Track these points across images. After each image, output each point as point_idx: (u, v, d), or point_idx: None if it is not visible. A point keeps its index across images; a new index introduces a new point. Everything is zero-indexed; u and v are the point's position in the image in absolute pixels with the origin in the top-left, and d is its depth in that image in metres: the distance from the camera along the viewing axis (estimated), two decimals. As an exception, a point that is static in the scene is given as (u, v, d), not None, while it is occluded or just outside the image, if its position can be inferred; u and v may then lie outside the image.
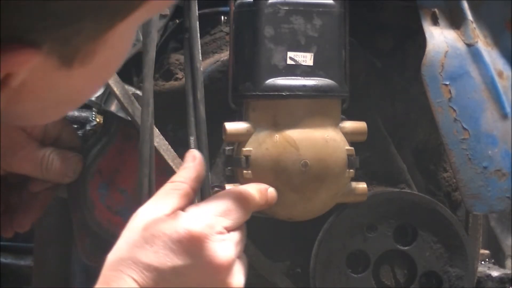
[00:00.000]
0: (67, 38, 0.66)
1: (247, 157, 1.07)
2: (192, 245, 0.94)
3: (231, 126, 1.09)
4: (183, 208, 0.97)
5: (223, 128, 1.09)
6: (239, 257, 0.98)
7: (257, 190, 1.04)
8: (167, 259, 0.93)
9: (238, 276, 0.97)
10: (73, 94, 0.75)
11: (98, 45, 0.69)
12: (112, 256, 0.94)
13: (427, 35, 1.15)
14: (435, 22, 1.16)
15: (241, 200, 1.00)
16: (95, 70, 0.72)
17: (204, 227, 0.95)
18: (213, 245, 0.95)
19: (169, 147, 1.15)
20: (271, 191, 1.06)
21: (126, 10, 0.68)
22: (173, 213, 0.96)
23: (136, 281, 0.91)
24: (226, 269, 0.96)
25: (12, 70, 0.65)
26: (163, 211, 0.96)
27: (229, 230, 0.97)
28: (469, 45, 1.16)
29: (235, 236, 0.98)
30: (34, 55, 0.65)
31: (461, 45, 1.16)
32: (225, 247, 0.96)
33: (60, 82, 0.71)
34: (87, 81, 0.73)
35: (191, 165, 1.02)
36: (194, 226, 0.94)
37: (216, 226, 0.96)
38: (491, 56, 1.17)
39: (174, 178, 1.01)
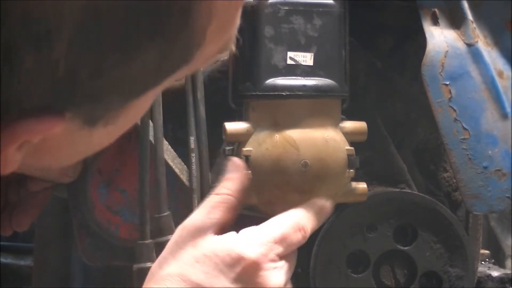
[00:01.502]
0: (93, 110, 0.66)
1: (247, 157, 1.07)
2: (243, 271, 0.93)
3: (231, 126, 1.08)
4: (229, 222, 0.97)
5: (223, 128, 1.09)
6: (286, 284, 0.97)
7: (320, 208, 1.03)
8: (217, 281, 0.92)
9: None
10: (92, 149, 0.75)
11: (124, 110, 0.69)
12: (158, 269, 0.93)
13: (427, 35, 1.15)
14: (435, 22, 1.16)
15: (299, 226, 1.00)
16: (117, 129, 0.72)
17: (258, 255, 0.94)
18: (265, 273, 0.94)
19: (169, 147, 1.15)
20: (330, 203, 1.05)
21: (155, 82, 0.68)
22: (224, 232, 0.95)
23: None
24: None
25: (31, 137, 0.64)
26: (210, 227, 0.95)
27: (281, 257, 0.97)
28: (469, 45, 1.16)
29: (287, 263, 0.97)
30: (57, 123, 0.64)
31: (461, 45, 1.16)
32: (276, 275, 0.95)
33: (81, 141, 0.70)
34: (107, 139, 0.73)
35: (236, 176, 1.01)
36: (248, 252, 0.94)
37: (270, 254, 0.95)
38: (491, 56, 1.17)
39: (220, 190, 0.99)
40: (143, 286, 0.93)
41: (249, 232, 0.97)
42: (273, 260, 0.95)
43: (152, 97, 0.72)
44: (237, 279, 0.93)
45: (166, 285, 0.91)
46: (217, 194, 0.99)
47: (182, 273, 0.92)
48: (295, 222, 1.00)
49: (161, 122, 1.07)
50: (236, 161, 1.03)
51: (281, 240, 0.97)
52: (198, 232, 0.95)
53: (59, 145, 0.69)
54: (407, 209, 1.18)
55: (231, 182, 1.00)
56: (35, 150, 0.68)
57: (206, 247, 0.94)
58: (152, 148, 1.12)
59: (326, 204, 1.05)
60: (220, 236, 0.96)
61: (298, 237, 0.99)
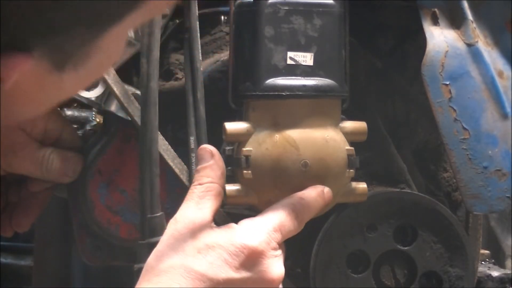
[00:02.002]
0: (59, 44, 0.66)
1: (247, 157, 1.07)
2: (248, 260, 0.94)
3: (231, 126, 1.08)
4: (218, 209, 0.98)
5: (223, 128, 1.09)
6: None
7: (316, 196, 1.04)
8: (221, 270, 0.93)
9: None
10: (64, 96, 0.74)
11: (91, 49, 0.69)
12: (157, 261, 0.93)
13: (427, 35, 1.15)
14: (435, 22, 1.16)
15: (298, 212, 1.01)
16: (87, 73, 0.72)
17: (261, 243, 0.95)
18: (268, 261, 0.95)
19: (169, 147, 1.15)
20: (327, 191, 1.06)
21: (118, 15, 0.68)
22: (220, 223, 0.97)
23: None
24: (277, 285, 0.96)
25: (2, 75, 0.66)
26: (204, 217, 0.96)
27: (280, 244, 0.98)
28: (469, 45, 1.16)
29: (282, 253, 0.99)
30: (25, 60, 0.65)
31: (461, 45, 1.16)
32: (278, 263, 0.97)
33: (51, 85, 0.71)
34: (78, 84, 0.73)
35: (212, 162, 1.01)
36: (251, 241, 0.95)
37: (271, 242, 0.96)
38: (491, 56, 1.17)
39: (201, 179, 1.00)
40: (140, 281, 0.92)
41: (248, 222, 0.98)
42: (274, 248, 0.96)
43: (120, 40, 0.72)
44: (241, 268, 0.93)
45: (168, 277, 0.91)
46: (200, 184, 0.99)
47: (185, 264, 0.92)
48: (292, 209, 1.00)
49: (157, 122, 1.07)
50: (207, 148, 1.03)
51: (280, 227, 0.98)
52: (194, 224, 0.95)
53: (31, 90, 0.70)
54: (407, 209, 1.18)
55: (209, 169, 1.01)
56: (7, 96, 0.68)
57: (207, 238, 0.94)
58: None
59: (324, 191, 1.05)
60: (220, 227, 0.96)
61: (295, 225, 1.00)
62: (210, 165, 1.01)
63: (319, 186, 1.06)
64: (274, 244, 0.97)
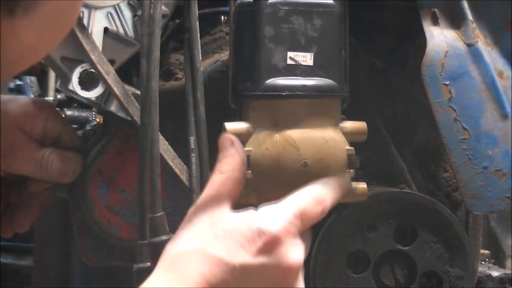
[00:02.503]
0: None
1: (247, 157, 1.07)
2: (265, 246, 0.93)
3: (231, 126, 1.08)
4: (237, 197, 0.97)
5: (223, 128, 1.09)
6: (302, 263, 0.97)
7: (335, 185, 1.03)
8: (238, 255, 0.91)
9: (302, 280, 0.96)
10: (22, 46, 0.72)
11: None
12: (175, 247, 0.92)
13: (427, 35, 1.15)
14: (435, 22, 1.16)
15: (319, 200, 1.00)
16: (42, 21, 0.70)
17: (279, 229, 0.94)
18: (287, 248, 0.94)
19: (169, 147, 1.15)
20: (344, 179, 1.06)
21: None
22: (243, 209, 0.95)
23: (202, 274, 0.89)
24: (295, 273, 0.95)
25: None
26: (224, 200, 0.95)
27: (301, 232, 0.97)
28: (469, 45, 1.16)
29: (304, 243, 0.97)
30: None
31: (461, 45, 1.16)
32: (297, 251, 0.95)
33: (7, 35, 0.69)
34: (35, 33, 0.72)
35: (234, 151, 1.01)
36: (269, 227, 0.93)
37: (290, 229, 0.95)
38: (491, 56, 1.17)
39: (222, 167, 0.99)
40: (157, 266, 0.91)
41: (268, 207, 0.97)
42: (293, 235, 0.95)
43: None
44: (258, 254, 0.92)
45: (184, 262, 0.90)
46: (220, 172, 0.99)
47: (201, 248, 0.91)
48: (314, 196, 0.99)
49: (157, 122, 1.07)
50: (229, 137, 1.03)
51: (301, 215, 0.97)
52: (213, 210, 0.94)
53: None
54: (407, 209, 1.18)
55: (230, 158, 1.00)
56: None
57: (225, 222, 0.93)
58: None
59: (342, 179, 1.05)
60: (238, 211, 0.95)
61: (317, 211, 0.99)
62: (231, 154, 1.01)
63: (336, 176, 1.05)
64: (294, 231, 0.95)
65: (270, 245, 0.93)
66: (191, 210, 0.97)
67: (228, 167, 0.99)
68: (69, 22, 0.75)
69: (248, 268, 0.91)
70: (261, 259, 0.92)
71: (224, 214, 0.95)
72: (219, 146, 1.02)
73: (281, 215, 0.96)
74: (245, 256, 0.91)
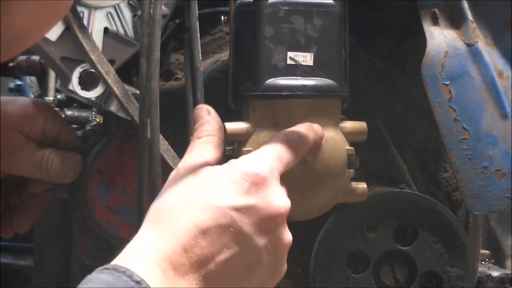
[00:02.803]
0: None
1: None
2: (252, 186, 0.92)
3: (231, 126, 1.08)
4: (219, 159, 0.96)
5: (223, 128, 1.09)
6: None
7: (306, 128, 1.03)
8: (227, 198, 0.90)
9: (289, 232, 0.96)
10: (19, 30, 0.72)
11: None
12: (159, 203, 0.90)
13: (427, 35, 1.15)
14: (435, 22, 1.16)
15: (293, 142, 1.00)
16: (36, 4, 0.70)
17: (263, 170, 0.93)
18: (273, 190, 0.93)
19: (169, 147, 1.15)
20: (316, 125, 1.06)
21: None
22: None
23: (192, 221, 0.87)
24: (283, 218, 0.94)
25: None
26: (206, 162, 0.94)
27: (281, 176, 0.97)
28: (469, 45, 1.16)
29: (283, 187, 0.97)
30: None
31: (461, 45, 1.16)
32: (283, 195, 0.95)
33: (2, 14, 0.69)
34: (30, 16, 0.72)
35: (210, 118, 1.01)
36: (254, 168, 0.93)
37: (274, 171, 0.95)
38: (491, 56, 1.17)
39: (200, 133, 0.99)
40: (144, 224, 0.89)
41: (247, 155, 0.97)
42: (276, 177, 0.95)
43: None
44: (247, 194, 0.91)
45: (170, 212, 0.88)
46: (199, 138, 0.99)
47: (188, 197, 0.90)
48: (286, 141, 1.00)
49: (158, 122, 1.07)
50: (203, 107, 1.02)
51: (279, 157, 0.97)
52: (196, 166, 0.93)
53: None
54: (407, 209, 1.18)
55: (207, 124, 1.00)
56: None
57: (208, 171, 0.93)
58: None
59: (313, 125, 1.06)
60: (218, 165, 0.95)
61: (292, 155, 1.00)
62: (208, 120, 1.00)
63: (308, 123, 1.05)
64: (276, 174, 0.95)
65: (257, 185, 0.92)
66: (171, 175, 0.95)
67: (206, 132, 0.99)
68: (65, 5, 0.75)
69: (238, 210, 0.90)
70: (250, 199, 0.91)
71: (207, 167, 0.93)
72: (195, 116, 1.02)
73: (262, 158, 0.96)
74: (234, 198, 0.90)
